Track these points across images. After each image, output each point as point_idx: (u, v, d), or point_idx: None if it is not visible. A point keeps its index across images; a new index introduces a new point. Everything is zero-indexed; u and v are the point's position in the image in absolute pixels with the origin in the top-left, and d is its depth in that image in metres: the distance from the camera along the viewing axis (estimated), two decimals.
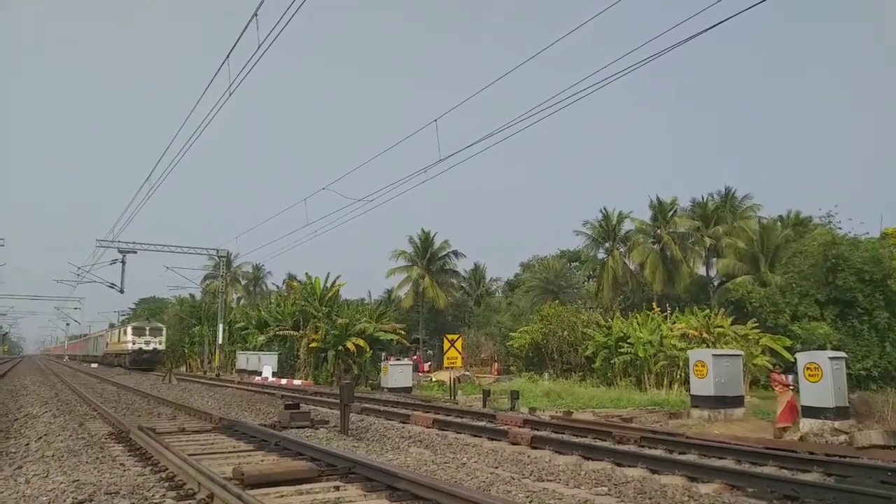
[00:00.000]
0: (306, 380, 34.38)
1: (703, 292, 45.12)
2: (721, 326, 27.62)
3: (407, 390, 27.43)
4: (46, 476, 8.14)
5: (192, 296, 67.89)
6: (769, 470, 9.59)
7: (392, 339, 37.97)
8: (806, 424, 15.19)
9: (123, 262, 40.67)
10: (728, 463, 10.22)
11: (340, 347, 34.97)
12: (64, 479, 7.91)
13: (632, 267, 48.95)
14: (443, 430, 14.13)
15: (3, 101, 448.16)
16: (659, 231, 47.12)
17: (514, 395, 19.92)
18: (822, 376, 15.41)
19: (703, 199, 48.17)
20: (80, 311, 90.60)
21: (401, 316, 49.75)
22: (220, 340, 46.06)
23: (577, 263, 60.91)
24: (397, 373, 28.17)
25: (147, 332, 50.78)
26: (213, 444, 11.15)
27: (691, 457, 10.77)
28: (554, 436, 12.84)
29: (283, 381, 32.87)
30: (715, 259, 45.60)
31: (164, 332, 52.47)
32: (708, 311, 30.78)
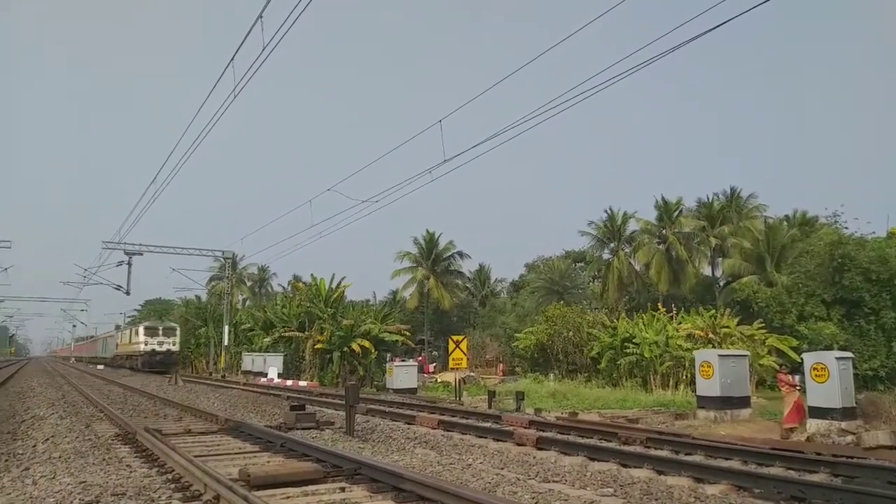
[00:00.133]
0: (312, 381, 34.42)
1: (709, 292, 44.97)
2: (727, 327, 27.52)
3: (412, 391, 27.45)
4: (53, 477, 8.17)
5: (197, 297, 68.10)
6: (776, 471, 9.56)
7: (397, 341, 37.98)
8: (813, 425, 15.12)
9: (129, 264, 40.83)
10: (734, 464, 10.19)
11: (346, 349, 34.99)
12: (71, 480, 7.93)
13: (637, 267, 48.85)
14: (448, 431, 14.13)
15: (6, 102, 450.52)
16: (664, 231, 47.00)
17: (520, 396, 19.91)
18: (828, 377, 15.34)
19: (708, 199, 48.08)
20: (87, 313, 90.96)
21: (406, 317, 49.77)
22: (225, 342, 46.17)
23: (581, 264, 60.83)
24: (402, 374, 28.18)
25: (160, 333, 48.31)
26: (218, 445, 11.18)
27: (697, 458, 10.74)
28: (559, 437, 12.82)
29: (289, 383, 32.91)
30: (720, 259, 45.44)
31: (177, 332, 50.02)
32: (714, 311, 30.68)
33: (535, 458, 10.56)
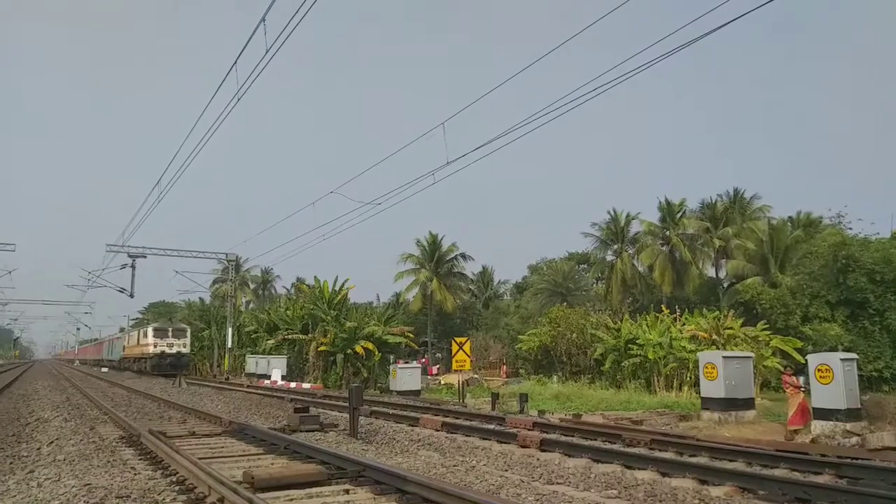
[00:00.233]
0: (315, 383, 34.42)
1: (713, 294, 44.88)
2: (731, 328, 27.45)
3: (415, 393, 27.43)
4: (58, 480, 8.18)
5: (201, 299, 68.23)
6: (781, 472, 9.54)
7: (400, 343, 37.96)
8: (817, 426, 15.09)
9: (133, 267, 40.89)
10: (739, 465, 10.17)
11: (349, 351, 35.00)
12: (75, 482, 7.94)
13: (640, 269, 48.77)
14: (452, 433, 14.12)
15: (9, 104, 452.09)
16: (668, 232, 46.93)
17: (523, 398, 19.89)
18: (833, 378, 15.31)
19: (711, 200, 47.99)
20: (91, 316, 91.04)
21: (409, 319, 49.71)
22: (229, 344, 46.20)
23: (585, 266, 60.75)
24: (406, 376, 28.17)
25: (170, 334, 45.74)
26: (222, 447, 11.18)
27: (702, 459, 10.72)
28: (563, 439, 12.80)
29: (293, 385, 32.92)
30: (724, 260, 45.34)
31: (188, 334, 47.47)
32: (717, 312, 30.62)
33: (538, 460, 10.54)
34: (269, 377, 36.68)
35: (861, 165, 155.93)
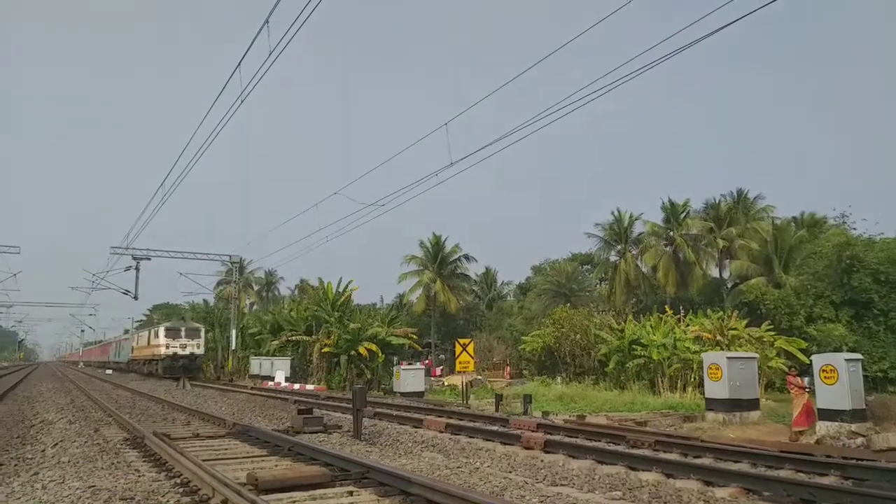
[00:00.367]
0: (319, 385, 34.45)
1: (717, 294, 44.78)
2: (735, 329, 27.38)
3: (419, 395, 27.42)
4: (63, 482, 8.19)
5: (205, 301, 68.33)
6: (785, 473, 9.51)
7: (404, 344, 37.97)
8: (822, 427, 15.04)
9: (137, 269, 41.00)
10: (744, 467, 10.14)
11: (353, 352, 35.02)
12: (80, 484, 7.96)
13: (644, 269, 48.69)
14: (455, 434, 14.11)
15: (13, 106, 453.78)
16: (671, 233, 46.85)
17: (527, 399, 19.86)
18: (837, 378, 15.25)
19: (715, 200, 47.89)
20: (95, 318, 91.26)
21: (412, 320, 49.72)
22: (233, 346, 46.23)
23: (588, 266, 60.68)
24: (409, 377, 28.17)
25: (183, 334, 42.96)
26: (226, 449, 11.19)
27: (706, 461, 10.70)
28: (567, 440, 12.79)
29: (296, 386, 32.96)
30: (728, 261, 45.23)
31: (202, 334, 44.54)
32: (722, 313, 30.55)
33: (542, 461, 10.53)
34: (272, 379, 36.73)
35: (865, 165, 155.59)
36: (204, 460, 9.15)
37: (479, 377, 35.92)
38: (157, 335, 43.73)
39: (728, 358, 18.83)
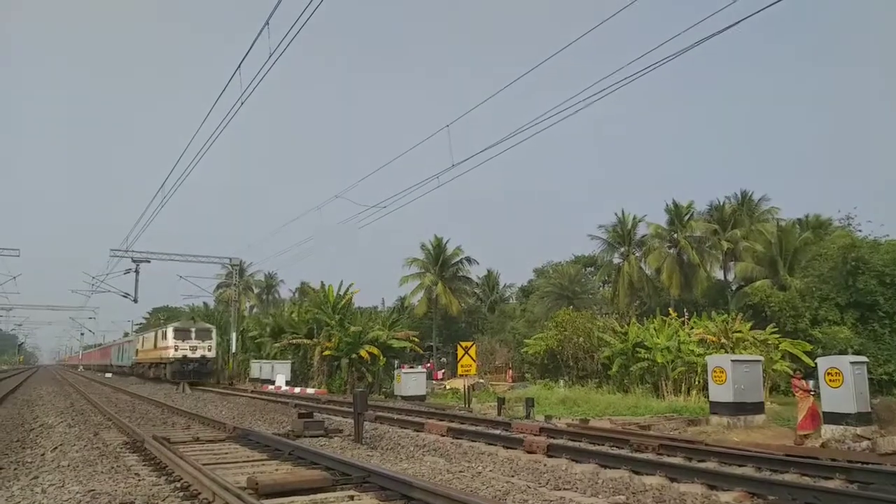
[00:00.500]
0: (320, 388, 34.37)
1: (721, 297, 44.67)
2: (740, 331, 27.26)
3: (421, 398, 27.33)
4: (62, 486, 8.15)
5: (205, 304, 68.33)
6: (790, 477, 9.45)
7: (405, 347, 37.88)
8: (827, 430, 14.94)
9: (137, 272, 40.95)
10: (748, 470, 10.07)
11: (354, 355, 34.94)
12: (79, 488, 7.92)
13: (648, 272, 48.60)
14: (457, 438, 14.04)
15: (14, 108, 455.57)
16: (675, 235, 46.77)
17: (530, 403, 19.78)
18: (843, 381, 15.16)
19: (719, 202, 47.82)
20: (95, 321, 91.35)
21: (414, 323, 49.64)
22: (233, 349, 46.19)
23: (591, 269, 60.59)
24: (411, 381, 28.07)
25: (193, 335, 39.93)
26: (227, 453, 11.14)
27: (711, 464, 10.63)
28: (570, 444, 12.73)
29: (297, 390, 32.89)
30: (732, 263, 45.13)
31: (213, 335, 41.58)
32: (726, 315, 30.44)
33: (545, 465, 10.46)
34: (273, 382, 36.67)
35: (865, 166, 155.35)
36: (204, 464, 9.10)
37: (482, 380, 35.82)
38: (164, 336, 40.60)
39: (732, 361, 18.73)
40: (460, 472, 9.45)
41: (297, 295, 63.95)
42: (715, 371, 18.63)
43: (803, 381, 16.70)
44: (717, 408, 18.26)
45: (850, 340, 26.17)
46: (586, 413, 21.02)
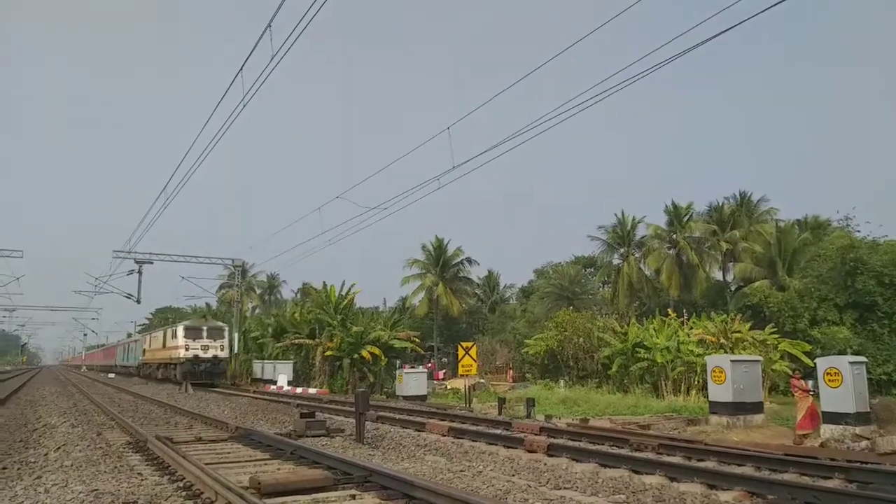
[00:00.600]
0: (321, 388, 34.43)
1: (720, 297, 44.72)
2: (739, 332, 27.32)
3: (422, 398, 27.38)
4: (65, 486, 8.19)
5: (207, 305, 68.40)
6: (790, 477, 9.48)
7: (406, 347, 37.94)
8: (827, 430, 14.99)
9: (140, 273, 41.03)
10: (748, 470, 10.11)
11: (356, 355, 35.00)
12: (82, 488, 7.95)
13: (647, 272, 48.66)
14: (458, 438, 14.09)
15: (15, 109, 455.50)
16: (675, 236, 46.82)
17: (530, 403, 19.84)
18: (842, 381, 15.21)
19: (718, 203, 47.89)
20: (98, 322, 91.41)
21: (415, 324, 49.71)
22: (235, 349, 46.26)
23: (591, 269, 60.64)
24: (412, 381, 28.13)
25: (204, 334, 37.80)
26: (229, 453, 11.19)
27: (710, 464, 10.67)
28: (570, 443, 12.77)
29: (299, 390, 32.94)
30: (732, 263, 45.19)
31: (226, 334, 39.58)
32: (725, 316, 30.49)
33: (546, 464, 10.51)
34: (275, 382, 36.71)
35: (865, 166, 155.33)
36: (206, 464, 9.15)
37: (482, 380, 35.87)
38: (174, 335, 38.47)
39: (732, 361, 18.79)
40: (461, 471, 9.50)
41: (298, 295, 64.02)
42: (714, 371, 18.69)
43: (802, 381, 16.75)
44: (717, 407, 18.31)
45: (849, 340, 26.23)
46: (586, 413, 21.07)
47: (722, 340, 26.61)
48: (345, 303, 38.88)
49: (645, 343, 28.38)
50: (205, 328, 38.35)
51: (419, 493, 7.12)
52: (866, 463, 10.51)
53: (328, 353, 35.60)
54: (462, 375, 26.45)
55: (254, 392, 32.13)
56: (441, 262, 55.46)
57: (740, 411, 17.98)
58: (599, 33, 13.28)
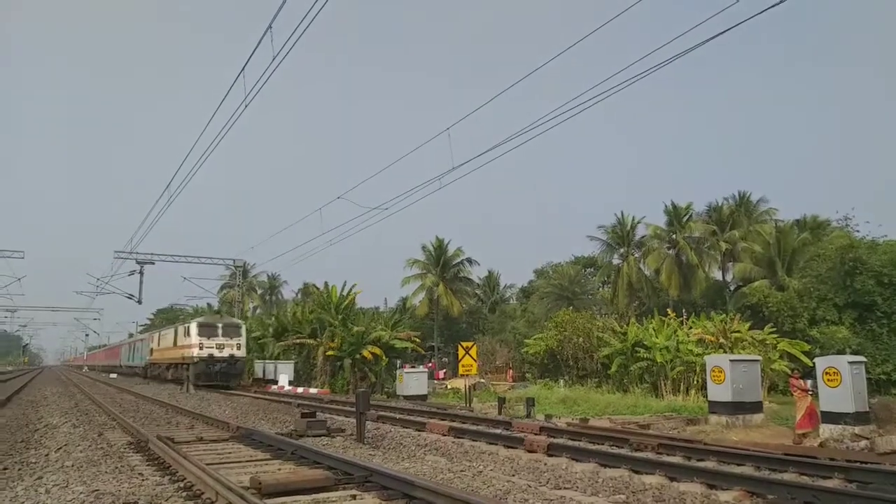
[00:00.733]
0: (322, 388, 34.45)
1: (720, 297, 44.75)
2: (738, 331, 27.35)
3: (422, 398, 27.41)
4: (66, 486, 8.21)
5: (209, 305, 68.37)
6: (789, 476, 9.50)
7: (407, 347, 37.98)
8: (826, 430, 15.02)
9: (141, 273, 41.09)
10: (747, 469, 10.13)
11: (356, 355, 35.03)
12: (83, 488, 7.97)
13: (647, 272, 48.69)
14: (458, 437, 14.11)
15: (17, 110, 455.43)
16: (674, 236, 46.86)
17: (530, 403, 19.86)
18: (841, 381, 15.24)
19: (718, 203, 47.92)
20: (100, 322, 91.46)
21: (416, 324, 49.75)
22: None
23: (591, 270, 60.69)
24: (413, 381, 28.17)
25: (220, 332, 35.38)
26: (230, 453, 11.21)
27: (710, 464, 10.69)
28: (570, 443, 12.79)
29: (300, 390, 32.96)
30: (731, 263, 45.24)
31: (243, 332, 37.01)
32: (724, 316, 30.53)
33: (546, 464, 10.53)
34: (276, 382, 36.72)
35: (865, 166, 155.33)
36: (207, 464, 9.16)
37: (482, 380, 35.90)
38: (187, 333, 35.98)
39: (731, 361, 18.82)
40: (461, 471, 9.52)
41: (299, 296, 64.03)
42: (714, 371, 18.71)
43: (801, 381, 16.77)
44: (716, 407, 18.34)
45: (848, 340, 26.26)
46: (586, 412, 21.10)
47: (721, 340, 26.64)
48: (346, 303, 38.91)
49: (644, 343, 28.41)
50: (220, 325, 36.05)
51: (419, 493, 7.14)
52: (866, 463, 10.54)
53: (329, 352, 35.63)
54: (462, 375, 26.48)
55: (255, 392, 32.14)
56: (441, 263, 55.50)
57: (739, 411, 18.01)
58: (600, 33, 13.30)
